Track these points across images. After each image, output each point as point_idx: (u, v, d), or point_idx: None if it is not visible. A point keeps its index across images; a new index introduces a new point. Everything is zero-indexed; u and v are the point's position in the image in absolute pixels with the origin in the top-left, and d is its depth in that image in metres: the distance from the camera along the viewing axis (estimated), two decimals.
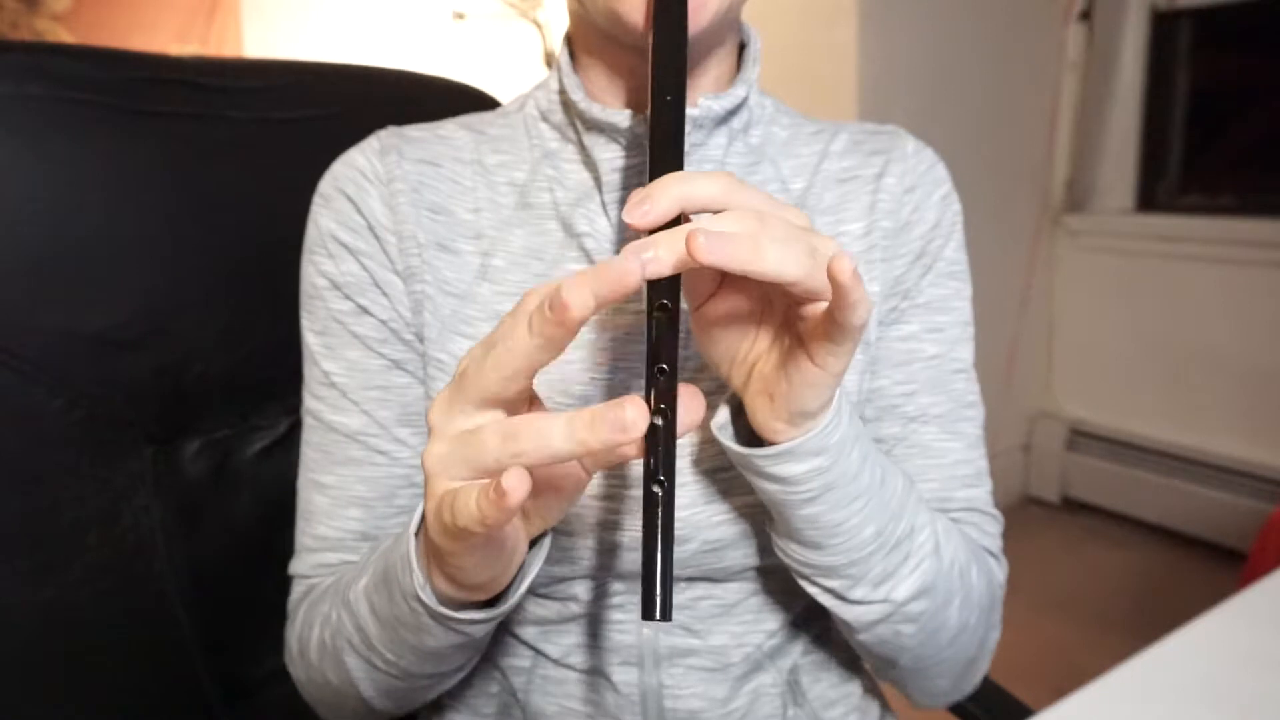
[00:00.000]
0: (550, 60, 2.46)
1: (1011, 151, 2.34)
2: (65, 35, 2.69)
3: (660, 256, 0.35)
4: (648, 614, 0.35)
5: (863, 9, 1.98)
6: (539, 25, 2.45)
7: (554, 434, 0.34)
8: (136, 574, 0.62)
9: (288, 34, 2.96)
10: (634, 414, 0.33)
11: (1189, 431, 2.27)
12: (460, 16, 2.66)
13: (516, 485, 0.33)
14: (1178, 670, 0.48)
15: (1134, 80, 2.36)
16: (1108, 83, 2.37)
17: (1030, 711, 0.61)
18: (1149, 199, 2.41)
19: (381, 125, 0.59)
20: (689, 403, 0.36)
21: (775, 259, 0.35)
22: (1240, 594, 0.54)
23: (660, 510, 0.35)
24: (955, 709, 0.65)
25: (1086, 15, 2.35)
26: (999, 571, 0.60)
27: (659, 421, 0.35)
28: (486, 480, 0.35)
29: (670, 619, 0.35)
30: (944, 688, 0.58)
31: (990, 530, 0.60)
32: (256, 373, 0.67)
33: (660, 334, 0.37)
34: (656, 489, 0.35)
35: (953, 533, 0.53)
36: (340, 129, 0.68)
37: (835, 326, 0.38)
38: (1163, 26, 2.33)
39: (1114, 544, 2.32)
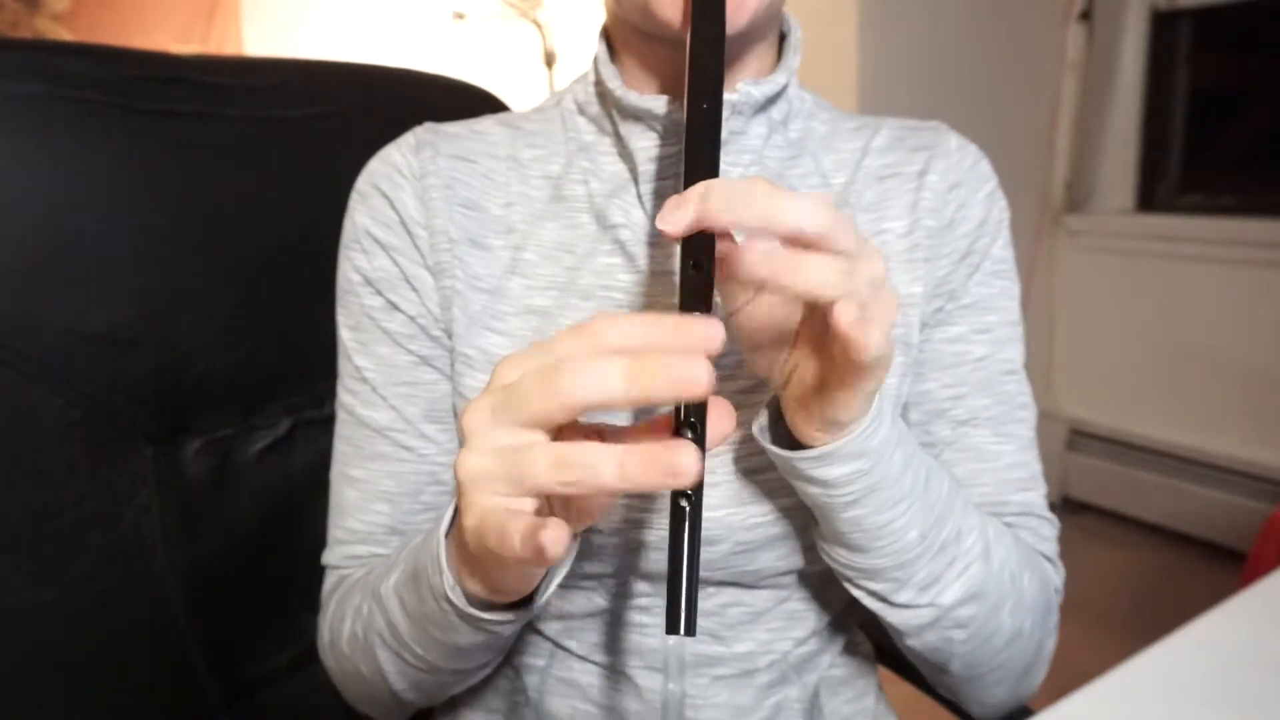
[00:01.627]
0: (550, 60, 2.46)
1: (1011, 151, 2.33)
2: (65, 35, 2.68)
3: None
4: (672, 628, 0.34)
5: (863, 9, 1.98)
6: (539, 25, 2.44)
7: (605, 469, 0.33)
8: (137, 574, 0.62)
9: (288, 34, 2.96)
10: (688, 462, 0.32)
11: (1189, 431, 2.27)
12: (460, 16, 2.66)
13: (555, 541, 0.33)
14: (1178, 670, 0.48)
15: (1134, 80, 2.36)
16: (1108, 83, 2.37)
17: (1030, 712, 0.61)
18: (1149, 199, 2.41)
19: (382, 124, 0.59)
20: (718, 417, 0.36)
21: (815, 276, 0.35)
22: (1240, 594, 0.54)
23: (687, 525, 0.35)
24: (955, 709, 0.65)
25: (1086, 15, 2.35)
26: (1055, 577, 0.59)
27: (688, 435, 0.35)
28: (531, 520, 0.34)
29: (694, 634, 0.34)
30: (1000, 696, 0.57)
31: (1046, 535, 0.59)
32: (257, 372, 0.67)
33: None
34: (684, 503, 0.35)
35: (1004, 537, 0.53)
36: (341, 128, 0.68)
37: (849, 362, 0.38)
38: (1163, 26, 2.33)
39: (1114, 544, 2.32)
